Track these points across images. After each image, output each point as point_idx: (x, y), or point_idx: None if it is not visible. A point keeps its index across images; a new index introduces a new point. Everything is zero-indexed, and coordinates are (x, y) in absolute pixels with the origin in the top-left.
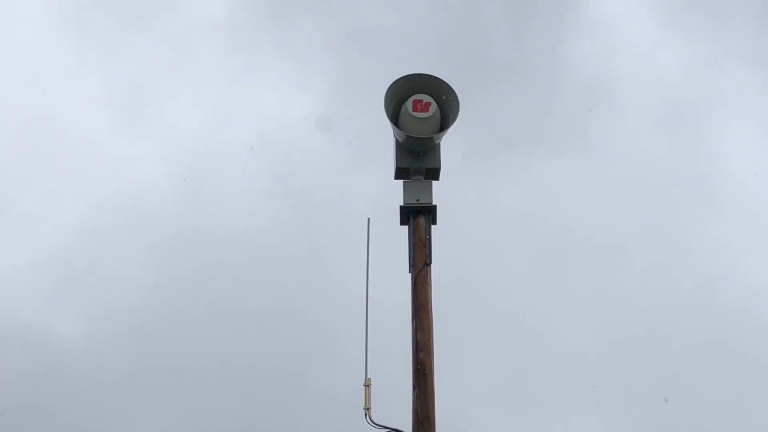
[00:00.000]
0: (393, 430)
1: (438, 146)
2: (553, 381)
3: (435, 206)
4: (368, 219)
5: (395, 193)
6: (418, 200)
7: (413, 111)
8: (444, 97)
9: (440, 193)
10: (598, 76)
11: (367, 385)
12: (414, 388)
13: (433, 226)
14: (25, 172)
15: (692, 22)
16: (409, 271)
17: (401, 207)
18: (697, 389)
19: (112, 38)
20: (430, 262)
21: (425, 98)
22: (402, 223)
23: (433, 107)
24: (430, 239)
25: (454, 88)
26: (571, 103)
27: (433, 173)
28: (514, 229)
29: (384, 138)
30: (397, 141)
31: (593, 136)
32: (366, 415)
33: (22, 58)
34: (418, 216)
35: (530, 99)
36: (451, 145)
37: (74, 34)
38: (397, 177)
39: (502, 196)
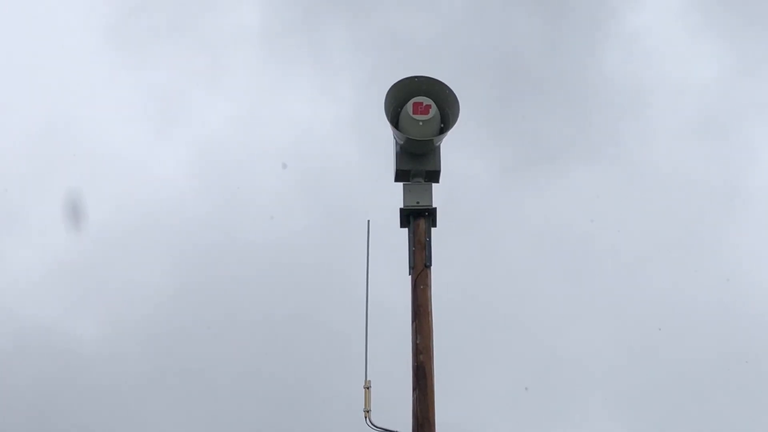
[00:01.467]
0: None
1: (438, 149)
2: (556, 384)
3: (435, 209)
4: (368, 221)
5: (395, 195)
6: (418, 203)
7: (413, 113)
8: (444, 101)
9: (442, 195)
10: (634, 86)
11: (367, 388)
12: (414, 390)
13: (433, 229)
14: (48, 176)
15: (728, 31)
16: (409, 274)
17: (401, 209)
18: (722, 395)
19: (147, 45)
20: (430, 265)
21: (425, 101)
22: (402, 225)
23: (434, 110)
24: (430, 242)
25: (488, 97)
26: (606, 112)
27: (434, 176)
28: (543, 236)
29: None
30: (397, 143)
31: (628, 145)
32: (366, 417)
33: (59, 64)
34: (418, 218)
35: (566, 109)
36: (488, 155)
37: (112, 41)
38: (397, 179)
39: (535, 205)
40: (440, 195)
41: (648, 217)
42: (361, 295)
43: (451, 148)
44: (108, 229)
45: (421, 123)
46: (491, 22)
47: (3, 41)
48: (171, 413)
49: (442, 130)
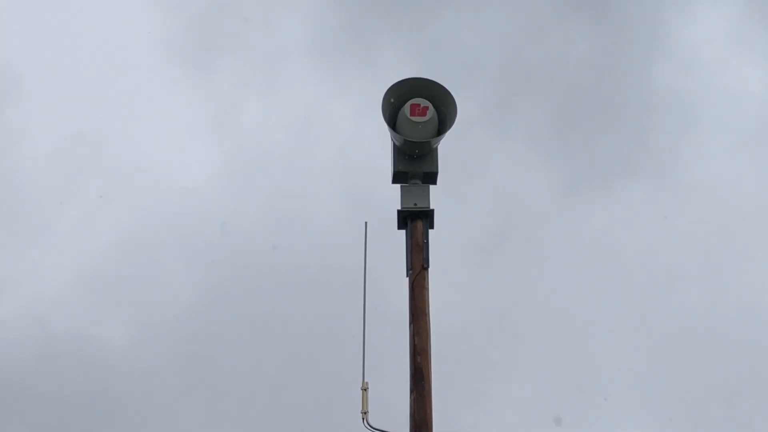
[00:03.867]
0: None
1: (435, 150)
2: (561, 388)
3: (432, 210)
4: (365, 223)
5: (393, 196)
6: (415, 204)
7: (411, 115)
8: (442, 105)
9: (438, 197)
10: (688, 102)
11: (365, 389)
12: (411, 392)
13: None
14: (79, 184)
15: None
16: (407, 275)
17: (399, 211)
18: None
19: (201, 59)
20: (428, 266)
21: (423, 102)
22: (399, 227)
23: (431, 111)
24: (427, 243)
25: (542, 116)
26: (661, 129)
27: (431, 177)
28: (598, 253)
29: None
30: (394, 145)
31: (682, 161)
32: (363, 419)
33: (108, 75)
34: (415, 220)
35: (620, 127)
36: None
37: (168, 53)
38: (394, 181)
39: (588, 223)
40: (488, 210)
41: (701, 233)
42: (359, 296)
43: (505, 166)
44: (138, 238)
45: (420, 125)
46: (546, 40)
47: (58, 51)
48: (194, 417)
49: (440, 132)
